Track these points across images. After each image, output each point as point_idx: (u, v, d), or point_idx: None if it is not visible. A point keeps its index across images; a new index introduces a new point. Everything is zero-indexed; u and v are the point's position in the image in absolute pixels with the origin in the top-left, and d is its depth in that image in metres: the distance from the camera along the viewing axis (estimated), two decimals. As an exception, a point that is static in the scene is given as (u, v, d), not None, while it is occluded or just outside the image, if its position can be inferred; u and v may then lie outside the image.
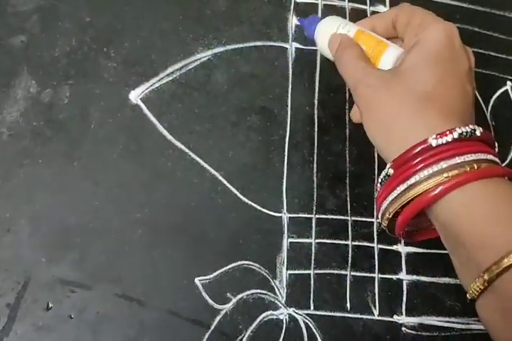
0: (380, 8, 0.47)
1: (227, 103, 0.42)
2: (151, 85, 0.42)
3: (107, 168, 0.40)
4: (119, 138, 0.40)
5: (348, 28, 0.38)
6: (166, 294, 0.37)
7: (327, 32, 0.39)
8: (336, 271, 0.40)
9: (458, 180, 0.30)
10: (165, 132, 0.41)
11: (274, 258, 0.39)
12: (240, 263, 0.39)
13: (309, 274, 0.39)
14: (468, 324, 0.39)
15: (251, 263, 0.39)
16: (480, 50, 0.47)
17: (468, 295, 0.30)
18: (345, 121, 0.43)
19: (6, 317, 0.36)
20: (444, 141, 0.31)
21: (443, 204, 0.31)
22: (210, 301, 0.38)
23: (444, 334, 0.39)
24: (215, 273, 0.38)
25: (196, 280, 0.38)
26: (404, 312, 0.39)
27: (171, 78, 0.42)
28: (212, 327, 0.37)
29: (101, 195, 0.39)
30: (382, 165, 0.34)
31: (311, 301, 0.39)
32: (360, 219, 0.41)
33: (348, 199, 0.41)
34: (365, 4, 0.47)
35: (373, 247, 0.41)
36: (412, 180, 0.31)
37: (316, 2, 0.46)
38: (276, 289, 0.39)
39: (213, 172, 0.40)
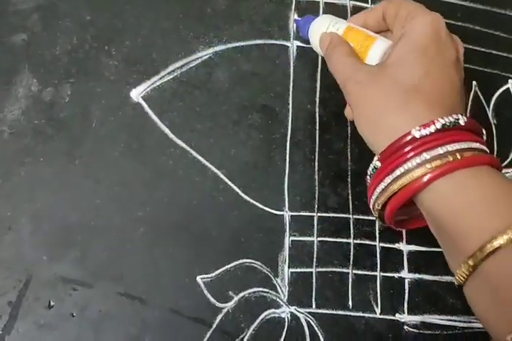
0: (382, 6, 0.47)
1: (229, 101, 0.42)
2: (152, 83, 0.42)
3: (109, 167, 0.39)
4: (121, 137, 0.40)
5: (338, 26, 0.39)
6: (168, 292, 0.37)
7: (319, 31, 0.39)
8: (337, 269, 0.40)
9: (440, 171, 0.30)
10: (166, 130, 0.41)
11: (275, 257, 0.39)
12: (241, 261, 0.39)
13: (311, 272, 0.39)
14: (470, 322, 0.39)
15: (253, 261, 0.39)
16: (481, 49, 0.47)
17: (455, 281, 0.31)
18: (347, 119, 0.43)
19: (7, 316, 0.35)
20: (428, 132, 0.31)
21: (427, 194, 0.31)
22: (212, 299, 0.38)
23: (446, 333, 0.39)
24: (217, 272, 0.38)
25: (198, 278, 0.38)
26: (406, 311, 0.39)
27: (172, 76, 0.42)
28: (214, 326, 0.37)
29: (102, 193, 0.39)
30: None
31: (313, 299, 0.39)
32: (361, 217, 0.41)
33: (350, 197, 0.41)
34: (367, 2, 0.47)
35: (375, 245, 0.41)
36: (397, 172, 0.32)
37: (318, 0, 0.46)
38: (278, 287, 0.39)
39: (215, 170, 0.40)
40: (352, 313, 0.39)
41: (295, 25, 0.44)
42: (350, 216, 0.41)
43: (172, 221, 0.39)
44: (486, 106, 0.45)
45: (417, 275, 0.40)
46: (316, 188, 0.41)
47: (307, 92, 0.43)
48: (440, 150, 0.31)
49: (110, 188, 0.39)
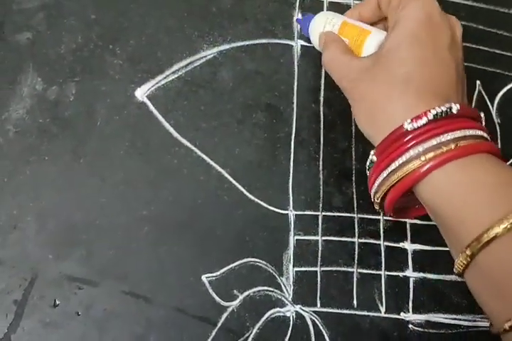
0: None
1: (233, 100, 0.42)
2: (157, 82, 0.42)
3: (113, 165, 0.39)
4: (125, 136, 0.40)
5: (333, 23, 0.39)
6: (173, 291, 0.37)
7: (317, 30, 0.40)
8: (342, 268, 0.40)
9: (435, 162, 0.30)
10: (171, 129, 0.41)
11: (280, 256, 0.39)
12: (246, 260, 0.39)
13: (316, 271, 0.39)
14: (475, 321, 0.39)
15: (257, 260, 0.39)
16: (485, 48, 0.47)
17: (454, 270, 0.31)
18: (351, 118, 0.43)
19: (13, 314, 0.35)
20: (420, 124, 0.31)
21: (424, 186, 0.31)
22: (217, 298, 0.38)
23: (451, 332, 0.39)
24: (222, 271, 0.38)
25: (203, 277, 0.38)
26: (411, 310, 0.39)
27: (176, 75, 0.42)
28: (219, 324, 0.37)
29: (107, 191, 0.39)
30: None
31: (318, 298, 0.39)
32: (366, 216, 0.41)
33: (355, 196, 0.41)
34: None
35: (380, 244, 0.40)
36: (393, 166, 0.32)
37: (322, -1, 0.46)
38: (282, 286, 0.39)
39: (219, 169, 0.40)
40: (357, 312, 0.39)
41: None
42: (355, 215, 0.41)
43: (177, 220, 0.39)
44: (489, 106, 0.45)
45: (421, 274, 0.40)
46: (321, 187, 0.41)
47: (311, 91, 0.43)
48: (434, 142, 0.30)
49: (115, 187, 0.39)
